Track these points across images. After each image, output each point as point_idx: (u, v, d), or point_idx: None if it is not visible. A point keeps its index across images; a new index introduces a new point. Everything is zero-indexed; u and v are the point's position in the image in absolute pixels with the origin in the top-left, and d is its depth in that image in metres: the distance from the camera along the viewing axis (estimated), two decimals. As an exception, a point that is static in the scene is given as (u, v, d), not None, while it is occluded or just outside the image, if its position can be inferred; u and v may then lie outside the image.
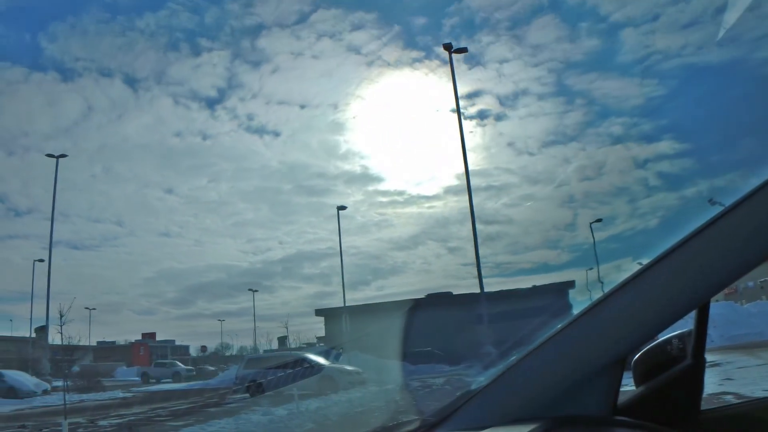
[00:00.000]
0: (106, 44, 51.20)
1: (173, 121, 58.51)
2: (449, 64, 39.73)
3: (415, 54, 75.47)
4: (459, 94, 40.62)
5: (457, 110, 40.16)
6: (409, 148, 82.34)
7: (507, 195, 65.64)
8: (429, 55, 62.28)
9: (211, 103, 58.33)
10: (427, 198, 77.08)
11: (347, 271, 72.04)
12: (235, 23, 54.80)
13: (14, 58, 54.59)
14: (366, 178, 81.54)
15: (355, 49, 63.11)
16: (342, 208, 53.92)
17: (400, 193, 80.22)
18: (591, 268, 44.99)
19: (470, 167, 40.23)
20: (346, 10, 64.26)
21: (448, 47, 40.84)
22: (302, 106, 72.07)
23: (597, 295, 1.56)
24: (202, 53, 57.67)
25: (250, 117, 62.61)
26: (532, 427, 1.47)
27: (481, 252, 38.93)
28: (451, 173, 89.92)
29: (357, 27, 58.87)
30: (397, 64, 61.63)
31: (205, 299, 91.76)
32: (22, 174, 60.41)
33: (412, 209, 70.96)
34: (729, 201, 1.37)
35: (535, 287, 47.23)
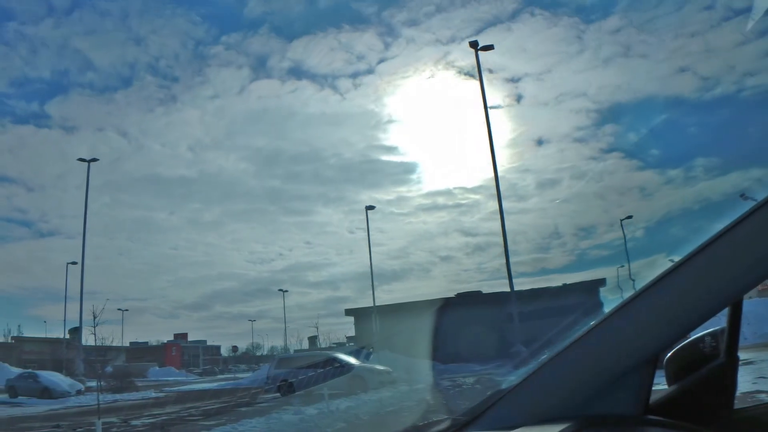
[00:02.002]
0: (100, 109, 60.11)
1: (161, 159, 68.19)
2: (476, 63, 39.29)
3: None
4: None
5: (485, 108, 39.72)
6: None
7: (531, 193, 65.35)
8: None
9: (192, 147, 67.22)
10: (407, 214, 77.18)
11: (352, 278, 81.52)
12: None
13: (28, 121, 63.79)
14: (341, 200, 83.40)
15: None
16: (370, 207, 54.01)
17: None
18: (622, 266, 44.47)
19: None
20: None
21: (474, 45, 39.79)
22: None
23: (628, 293, 1.55)
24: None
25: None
26: (563, 426, 1.47)
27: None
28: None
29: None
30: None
31: (221, 304, 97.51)
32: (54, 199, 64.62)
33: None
34: (762, 196, 1.35)
35: (565, 285, 46.86)
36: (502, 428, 1.59)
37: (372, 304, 51.48)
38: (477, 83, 38.91)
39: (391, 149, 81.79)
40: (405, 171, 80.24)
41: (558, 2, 53.23)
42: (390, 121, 72.71)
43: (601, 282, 42.41)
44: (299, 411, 16.60)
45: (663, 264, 1.51)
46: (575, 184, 61.04)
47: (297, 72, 69.60)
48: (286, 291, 72.25)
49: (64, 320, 56.64)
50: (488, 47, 40.15)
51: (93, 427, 13.56)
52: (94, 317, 23.59)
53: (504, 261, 38.31)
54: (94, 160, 48.28)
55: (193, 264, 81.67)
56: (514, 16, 59.67)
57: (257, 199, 77.98)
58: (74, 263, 51.21)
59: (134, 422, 17.70)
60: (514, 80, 60.04)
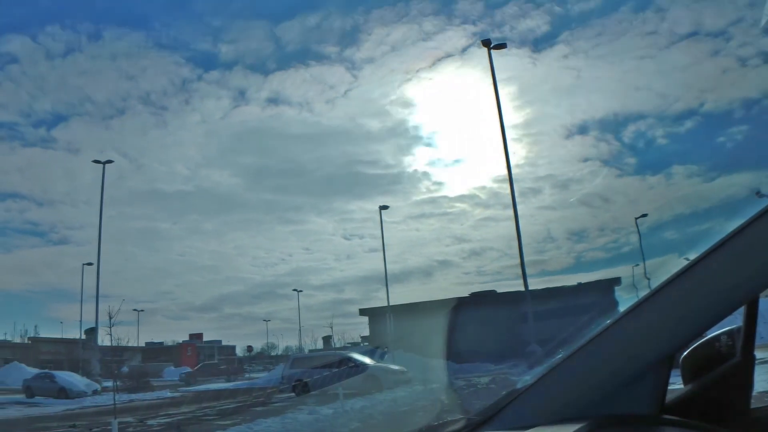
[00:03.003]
0: (100, 134, 66.74)
1: (159, 176, 74.38)
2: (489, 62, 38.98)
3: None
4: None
5: (498, 108, 39.46)
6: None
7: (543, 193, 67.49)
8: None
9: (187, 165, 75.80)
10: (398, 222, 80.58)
11: (355, 281, 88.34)
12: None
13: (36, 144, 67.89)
14: (332, 210, 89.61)
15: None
16: (384, 207, 53.99)
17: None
18: (637, 265, 44.17)
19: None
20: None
21: (486, 43, 38.95)
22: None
23: (643, 292, 1.54)
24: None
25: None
26: (578, 426, 1.46)
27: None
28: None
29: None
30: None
31: (230, 306, 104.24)
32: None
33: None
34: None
35: (579, 284, 46.65)
36: (517, 428, 1.59)
37: (386, 304, 51.46)
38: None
39: (372, 163, 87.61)
40: (390, 182, 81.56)
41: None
42: (369, 138, 76.57)
43: (616, 281, 42.24)
44: (314, 411, 16.63)
45: (678, 262, 1.50)
46: (590, 182, 61.42)
47: (275, 100, 74.69)
48: (301, 291, 73.03)
49: (80, 321, 56.94)
50: (501, 45, 39.81)
51: (109, 427, 13.64)
52: (110, 318, 23.71)
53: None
54: (109, 161, 48.80)
55: (200, 268, 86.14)
56: (464, 50, 63.09)
57: (252, 210, 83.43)
58: (90, 264, 51.88)
59: (150, 422, 17.78)
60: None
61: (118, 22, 69.52)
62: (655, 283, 1.51)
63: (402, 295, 73.14)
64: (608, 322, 1.56)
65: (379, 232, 54.78)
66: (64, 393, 32.33)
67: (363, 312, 56.88)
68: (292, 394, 25.34)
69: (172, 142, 73.99)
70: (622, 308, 1.58)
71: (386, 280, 51.89)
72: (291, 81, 74.36)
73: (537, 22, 62.20)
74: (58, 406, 27.21)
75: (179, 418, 19.04)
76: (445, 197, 79.09)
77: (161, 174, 76.37)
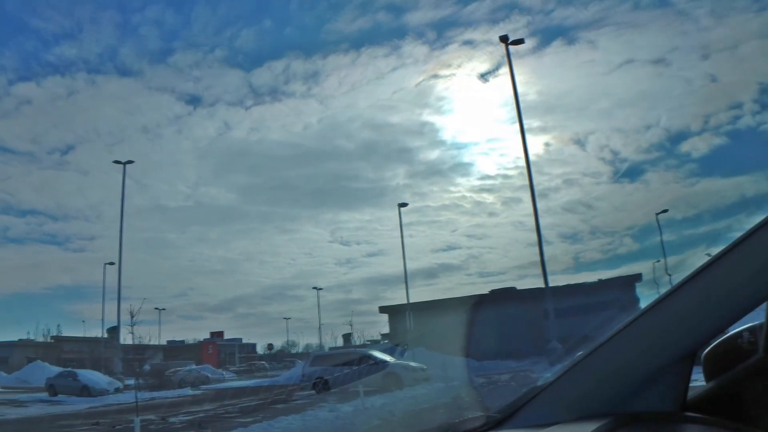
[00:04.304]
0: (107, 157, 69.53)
1: (162, 194, 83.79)
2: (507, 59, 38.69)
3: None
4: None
5: (517, 105, 39.20)
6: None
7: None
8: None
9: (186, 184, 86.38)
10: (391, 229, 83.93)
11: (360, 283, 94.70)
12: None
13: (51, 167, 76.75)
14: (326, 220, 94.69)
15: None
16: (403, 205, 54.03)
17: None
18: (658, 260, 43.87)
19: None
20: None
21: (504, 39, 38.59)
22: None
23: (664, 288, 1.53)
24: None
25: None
26: (599, 424, 1.46)
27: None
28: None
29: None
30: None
31: (244, 307, 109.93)
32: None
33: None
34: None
35: (601, 281, 46.46)
36: (538, 425, 1.58)
37: (406, 301, 51.43)
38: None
39: (354, 178, 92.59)
40: (376, 195, 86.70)
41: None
42: (347, 157, 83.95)
43: (637, 277, 42.04)
44: (334, 408, 16.66)
45: (700, 258, 1.49)
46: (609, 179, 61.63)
47: (257, 128, 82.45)
48: (321, 289, 73.91)
49: (102, 320, 57.69)
50: (519, 41, 39.51)
51: (131, 425, 13.73)
52: (132, 317, 23.87)
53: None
54: (130, 162, 49.22)
55: (210, 272, 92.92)
56: (417, 85, 76.36)
57: (252, 220, 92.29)
58: (111, 263, 52.81)
59: (172, 419, 17.89)
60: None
61: (110, 72, 75.99)
62: (677, 279, 1.50)
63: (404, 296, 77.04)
64: (629, 318, 1.55)
65: (375, 238, 56.59)
66: (86, 391, 32.55)
67: (383, 309, 56.95)
68: (313, 391, 25.38)
69: (170, 164, 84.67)
70: (643, 304, 1.57)
71: (406, 277, 51.95)
72: (269, 113, 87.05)
73: (481, 61, 71.42)
74: (81, 404, 27.41)
75: (201, 415, 19.15)
76: (428, 206, 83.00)
77: (164, 192, 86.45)
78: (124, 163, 48.50)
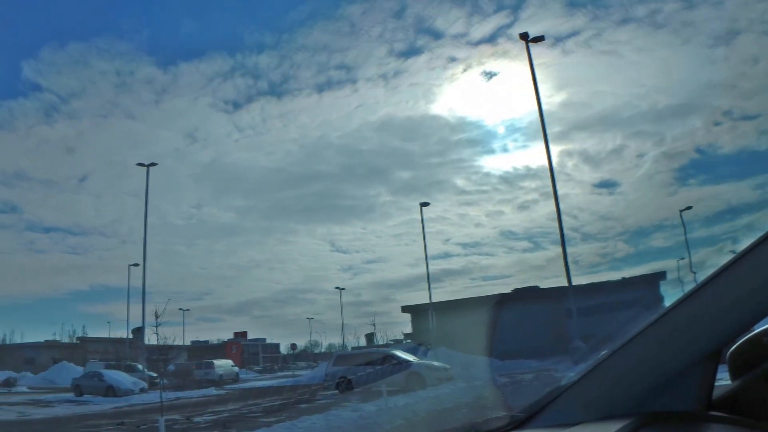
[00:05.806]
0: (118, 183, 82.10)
1: (168, 213, 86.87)
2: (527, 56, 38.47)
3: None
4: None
5: (538, 104, 38.98)
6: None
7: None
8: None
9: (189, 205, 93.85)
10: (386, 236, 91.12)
11: (368, 287, 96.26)
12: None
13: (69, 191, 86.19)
14: (322, 233, 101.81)
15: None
16: (425, 204, 53.96)
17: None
18: (682, 258, 43.38)
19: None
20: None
21: (524, 36, 38.18)
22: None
23: (689, 286, 1.52)
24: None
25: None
26: (623, 423, 1.45)
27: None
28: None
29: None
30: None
31: (258, 309, 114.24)
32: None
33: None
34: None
35: (624, 279, 46.10)
36: (562, 425, 1.58)
37: (428, 301, 51.32)
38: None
39: (339, 196, 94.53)
40: (365, 211, 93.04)
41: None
42: (329, 177, 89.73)
43: (662, 275, 41.68)
44: (357, 408, 16.68)
45: (725, 256, 1.48)
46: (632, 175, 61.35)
47: (246, 157, 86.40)
48: (343, 288, 74.39)
49: (127, 321, 58.27)
50: (539, 38, 39.28)
51: (156, 424, 13.84)
52: (156, 317, 24.05)
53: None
54: (153, 164, 49.77)
55: (222, 278, 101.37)
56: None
57: (254, 233, 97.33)
58: (136, 265, 53.55)
59: (196, 419, 18.01)
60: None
61: (118, 115, 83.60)
62: (701, 276, 1.49)
63: (413, 298, 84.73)
64: (653, 317, 1.54)
65: (372, 247, 58.24)
66: (111, 391, 32.85)
67: (405, 309, 56.86)
68: (336, 391, 25.44)
69: (172, 187, 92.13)
70: (668, 303, 1.56)
71: (428, 277, 51.86)
72: (256, 143, 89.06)
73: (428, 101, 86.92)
74: (107, 404, 27.67)
75: (225, 415, 19.26)
76: (415, 219, 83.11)
77: (170, 212, 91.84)
78: (148, 165, 49.13)
